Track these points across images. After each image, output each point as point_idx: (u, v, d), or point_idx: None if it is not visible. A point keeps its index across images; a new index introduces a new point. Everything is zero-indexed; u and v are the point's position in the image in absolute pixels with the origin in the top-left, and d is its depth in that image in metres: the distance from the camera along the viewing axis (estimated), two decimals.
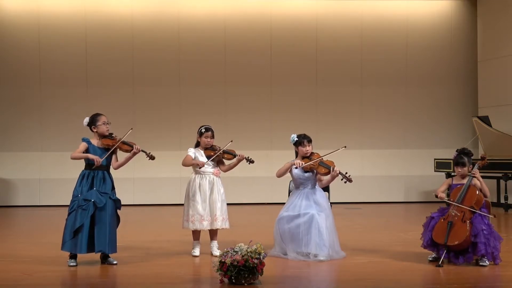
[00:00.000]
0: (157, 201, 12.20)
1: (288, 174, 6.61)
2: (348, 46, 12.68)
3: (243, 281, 5.12)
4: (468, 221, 5.95)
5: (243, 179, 11.86)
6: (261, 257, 5.16)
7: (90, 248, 5.92)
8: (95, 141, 6.15)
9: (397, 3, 12.88)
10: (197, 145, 6.65)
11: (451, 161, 10.30)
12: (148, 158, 6.15)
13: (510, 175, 10.90)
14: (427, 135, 12.81)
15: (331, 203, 7.05)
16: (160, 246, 7.19)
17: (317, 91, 12.66)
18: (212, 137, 6.60)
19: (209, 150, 6.57)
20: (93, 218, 5.92)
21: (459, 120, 12.94)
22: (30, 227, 9.55)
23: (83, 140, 6.14)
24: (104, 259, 6.10)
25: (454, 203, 6.08)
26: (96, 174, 6.06)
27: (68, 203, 6.04)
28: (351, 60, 12.71)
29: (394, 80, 12.82)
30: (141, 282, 5.38)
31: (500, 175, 11.05)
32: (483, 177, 6.34)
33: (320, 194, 6.53)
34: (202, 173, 6.54)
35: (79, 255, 6.01)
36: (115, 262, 6.06)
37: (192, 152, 6.56)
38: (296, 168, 6.47)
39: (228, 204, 6.67)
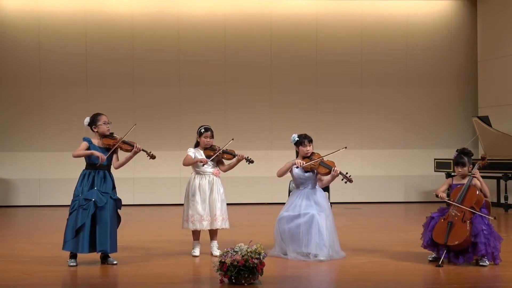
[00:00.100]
0: (157, 201, 12.20)
1: (289, 174, 6.62)
2: (348, 46, 12.68)
3: (243, 281, 5.12)
4: (468, 221, 5.95)
5: (243, 179, 11.86)
6: (261, 257, 5.16)
7: (92, 248, 5.93)
8: (95, 141, 6.15)
9: (397, 3, 12.88)
10: (197, 145, 6.65)
11: (451, 161, 10.30)
12: (148, 157, 6.15)
13: (510, 175, 10.90)
14: (427, 135, 12.81)
15: (331, 203, 7.05)
16: (160, 246, 7.19)
17: (317, 91, 12.67)
18: (212, 137, 6.60)
19: (209, 150, 6.57)
20: (94, 218, 5.92)
21: (459, 120, 12.94)
22: (30, 227, 9.54)
23: (84, 139, 6.14)
24: (104, 259, 6.10)
25: (454, 203, 6.07)
26: (97, 173, 6.06)
27: (68, 203, 6.04)
28: (351, 60, 12.71)
29: (394, 80, 12.83)
30: (141, 282, 5.38)
31: (500, 175, 11.05)
32: (483, 177, 6.34)
33: (320, 194, 6.54)
34: (201, 173, 6.54)
35: (79, 255, 6.01)
36: (115, 262, 6.06)
37: (192, 152, 6.56)
38: (297, 167, 6.47)
39: (228, 204, 6.67)
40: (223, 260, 5.13)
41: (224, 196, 6.59)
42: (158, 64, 12.34)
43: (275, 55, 12.56)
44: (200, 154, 6.55)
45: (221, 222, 6.48)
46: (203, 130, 6.59)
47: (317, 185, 6.58)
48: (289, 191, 7.06)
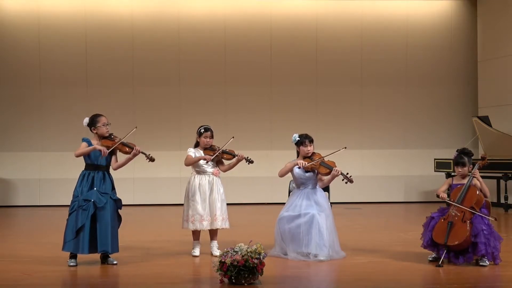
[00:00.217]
0: (157, 201, 12.20)
1: (289, 173, 6.61)
2: (348, 46, 12.68)
3: (243, 281, 5.12)
4: (468, 221, 5.94)
5: (243, 179, 11.86)
6: (261, 257, 5.16)
7: (92, 249, 5.92)
8: (95, 142, 6.14)
9: (397, 3, 12.88)
10: (197, 145, 6.65)
11: (451, 161, 10.30)
12: (147, 160, 6.12)
13: (510, 175, 10.90)
14: (427, 135, 12.81)
15: (331, 203, 7.05)
16: (160, 246, 7.19)
17: (317, 91, 12.67)
18: (211, 137, 6.59)
19: (209, 150, 6.57)
20: (94, 218, 5.92)
21: (459, 120, 12.94)
22: (30, 227, 9.55)
23: (84, 140, 6.14)
24: (104, 259, 6.10)
25: (454, 203, 6.07)
26: (96, 174, 6.06)
27: (68, 203, 6.04)
28: (351, 60, 12.71)
29: (394, 80, 12.83)
30: (141, 282, 5.38)
31: (500, 175, 11.05)
32: (483, 177, 6.34)
33: (320, 194, 6.54)
34: (201, 173, 6.54)
35: (79, 255, 6.00)
36: (115, 262, 6.06)
37: (192, 152, 6.56)
38: (299, 168, 6.46)
39: (228, 204, 6.67)
40: (223, 260, 5.13)
41: (224, 196, 6.58)
42: (158, 64, 12.34)
43: (275, 55, 12.56)
44: (200, 154, 6.55)
45: (221, 222, 6.48)
46: (203, 130, 6.59)
47: (318, 185, 6.58)
48: (289, 191, 7.07)
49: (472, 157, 6.37)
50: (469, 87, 13.00)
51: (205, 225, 6.43)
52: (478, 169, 6.24)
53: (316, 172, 6.52)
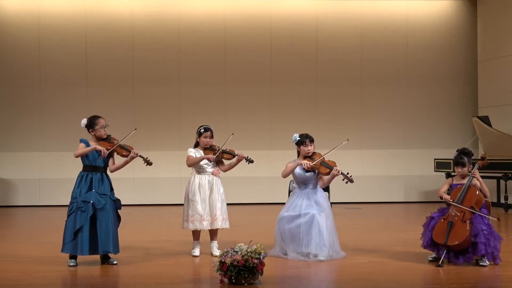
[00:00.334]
0: (157, 201, 12.20)
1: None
2: (348, 46, 12.68)
3: (243, 281, 5.12)
4: (468, 221, 5.95)
5: (243, 179, 11.86)
6: (261, 257, 5.16)
7: (92, 250, 5.92)
8: (92, 143, 6.13)
9: (397, 3, 12.88)
10: (196, 145, 6.65)
11: (451, 161, 10.30)
12: (145, 163, 6.11)
13: (510, 175, 10.90)
14: (427, 135, 12.81)
15: (331, 203, 7.05)
16: (160, 246, 7.19)
17: (317, 91, 12.67)
18: (211, 137, 6.59)
19: (208, 150, 6.56)
20: (94, 220, 5.92)
21: (459, 120, 12.94)
22: (30, 227, 9.55)
23: (81, 141, 6.12)
24: (104, 259, 6.11)
25: (454, 203, 6.08)
26: (95, 175, 6.05)
27: (68, 203, 6.05)
28: (351, 60, 12.71)
29: (394, 80, 12.83)
30: (141, 282, 5.38)
31: (500, 175, 11.04)
32: (483, 177, 6.34)
33: (320, 194, 6.54)
34: (201, 173, 6.54)
35: (79, 255, 6.00)
36: (115, 262, 6.06)
37: (192, 152, 6.55)
38: (304, 169, 6.45)
39: (228, 204, 6.67)
40: (223, 260, 5.13)
41: (224, 196, 6.59)
42: (158, 64, 12.34)
43: (275, 55, 12.56)
44: (200, 154, 6.55)
45: (221, 222, 6.48)
46: (203, 130, 6.59)
47: (318, 185, 6.58)
48: (289, 191, 7.07)
49: (472, 157, 6.37)
50: (469, 87, 13.00)
51: (205, 225, 6.42)
52: (478, 169, 6.24)
53: (317, 172, 6.52)
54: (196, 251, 6.52)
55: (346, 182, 6.27)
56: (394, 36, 12.81)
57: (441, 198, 6.20)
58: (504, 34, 12.08)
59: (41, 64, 12.17)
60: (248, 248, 5.17)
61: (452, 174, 8.89)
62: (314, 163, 6.44)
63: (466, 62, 12.99)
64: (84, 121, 6.18)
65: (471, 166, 6.26)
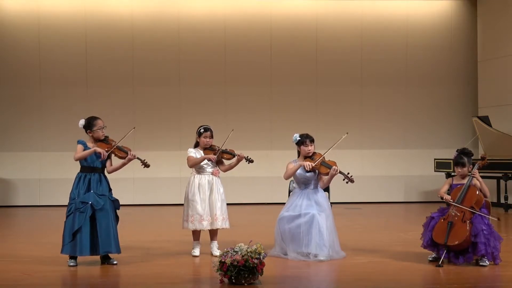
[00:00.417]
0: (157, 201, 12.20)
1: None
2: (348, 46, 12.68)
3: (243, 281, 5.12)
4: (468, 221, 5.95)
5: (243, 179, 11.86)
6: (261, 257, 5.16)
7: (92, 251, 5.92)
8: (90, 144, 6.11)
9: (397, 3, 12.88)
10: (196, 145, 6.65)
11: (451, 161, 10.29)
12: (142, 165, 6.11)
13: (510, 175, 10.90)
14: (427, 135, 12.81)
15: (331, 203, 7.05)
16: (160, 246, 7.19)
17: (317, 91, 12.67)
18: (211, 137, 6.59)
19: (208, 150, 6.56)
20: (94, 221, 5.92)
21: (459, 120, 12.94)
22: (30, 227, 9.55)
23: (79, 142, 6.10)
24: (105, 259, 6.10)
25: (454, 203, 6.08)
26: (93, 176, 6.04)
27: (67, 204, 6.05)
28: (351, 60, 12.71)
29: (394, 80, 12.83)
30: (141, 282, 5.38)
31: (500, 175, 11.04)
32: (483, 177, 6.34)
33: (321, 194, 6.54)
34: (201, 173, 6.54)
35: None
36: (115, 262, 6.06)
37: (192, 152, 6.55)
38: (307, 171, 6.44)
39: (228, 204, 6.67)
40: (223, 260, 5.13)
41: (224, 196, 6.58)
42: (158, 64, 12.34)
43: (275, 55, 12.56)
44: (200, 155, 6.55)
45: (221, 222, 6.47)
46: (203, 130, 6.58)
47: (318, 185, 6.57)
48: (289, 191, 7.07)
49: (472, 157, 6.36)
50: (469, 87, 12.99)
51: (205, 225, 6.42)
52: (478, 169, 6.24)
53: (317, 172, 6.52)
54: (196, 251, 6.52)
55: (347, 182, 6.27)
56: (394, 36, 12.81)
57: (442, 198, 6.20)
58: (504, 34, 12.08)
59: (41, 64, 12.17)
60: (248, 248, 5.17)
61: (452, 174, 8.89)
62: (315, 163, 6.44)
63: (466, 62, 12.99)
64: (82, 122, 6.16)
65: (471, 166, 6.26)
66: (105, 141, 6.14)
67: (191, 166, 6.56)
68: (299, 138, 6.57)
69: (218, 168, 6.62)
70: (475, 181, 6.12)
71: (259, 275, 5.19)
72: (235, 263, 5.06)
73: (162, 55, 12.33)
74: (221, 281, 5.20)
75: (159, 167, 11.70)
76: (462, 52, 12.99)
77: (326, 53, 12.63)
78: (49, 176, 12.08)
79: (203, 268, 6.10)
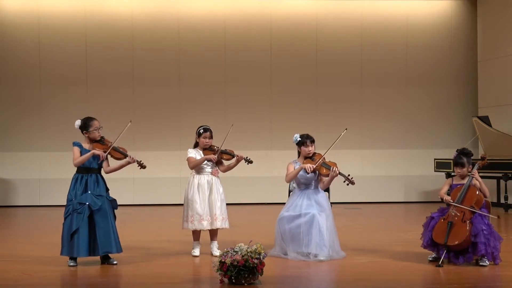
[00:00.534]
0: (157, 201, 12.19)
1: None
2: (348, 46, 12.68)
3: (243, 281, 5.12)
4: (468, 221, 5.95)
5: (243, 179, 11.86)
6: (261, 257, 5.16)
7: (92, 251, 5.92)
8: (86, 145, 6.11)
9: (397, 3, 12.88)
10: (196, 145, 6.64)
11: (451, 161, 10.28)
12: (139, 167, 6.12)
13: (510, 175, 10.90)
14: (427, 135, 12.81)
15: (331, 203, 7.05)
16: (160, 246, 7.20)
17: (317, 91, 12.66)
18: (211, 137, 6.58)
19: (208, 151, 6.56)
20: (92, 222, 5.91)
21: (459, 120, 12.94)
22: (30, 227, 9.55)
23: (75, 144, 6.08)
24: (105, 259, 6.10)
25: (454, 203, 6.08)
26: (89, 177, 6.04)
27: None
28: (351, 60, 12.71)
29: (394, 80, 12.83)
30: (141, 282, 5.38)
31: (500, 175, 11.04)
32: (482, 177, 6.35)
33: (321, 195, 6.54)
34: (201, 173, 6.53)
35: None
36: (115, 262, 6.06)
37: (193, 153, 6.55)
38: (308, 174, 6.43)
39: (228, 204, 6.67)
40: (223, 260, 5.13)
41: (224, 196, 6.58)
42: (158, 64, 12.33)
43: (275, 55, 12.56)
44: (200, 155, 6.55)
45: (221, 222, 6.48)
46: (202, 130, 6.58)
47: (319, 186, 6.57)
48: (289, 191, 7.06)
49: (472, 157, 6.36)
50: (469, 87, 12.99)
51: (205, 225, 6.42)
52: (478, 169, 6.24)
53: (318, 173, 6.52)
54: (196, 251, 6.52)
55: (348, 184, 6.28)
56: (394, 36, 12.81)
57: (442, 199, 6.20)
58: (504, 34, 12.08)
59: (41, 64, 12.17)
60: (248, 248, 5.17)
61: (452, 174, 8.88)
62: (316, 165, 6.43)
63: (466, 62, 12.99)
64: (78, 123, 6.15)
65: (471, 166, 6.26)
66: (101, 141, 6.13)
67: (192, 168, 6.55)
68: (300, 139, 6.57)
69: (217, 168, 6.62)
70: (474, 181, 6.12)
71: (259, 275, 5.19)
72: (235, 263, 5.06)
73: (162, 55, 12.33)
74: (221, 281, 5.20)
75: (159, 167, 11.71)
76: (462, 52, 12.99)
77: (326, 53, 12.63)
78: (49, 176, 12.08)
79: (203, 268, 6.10)
